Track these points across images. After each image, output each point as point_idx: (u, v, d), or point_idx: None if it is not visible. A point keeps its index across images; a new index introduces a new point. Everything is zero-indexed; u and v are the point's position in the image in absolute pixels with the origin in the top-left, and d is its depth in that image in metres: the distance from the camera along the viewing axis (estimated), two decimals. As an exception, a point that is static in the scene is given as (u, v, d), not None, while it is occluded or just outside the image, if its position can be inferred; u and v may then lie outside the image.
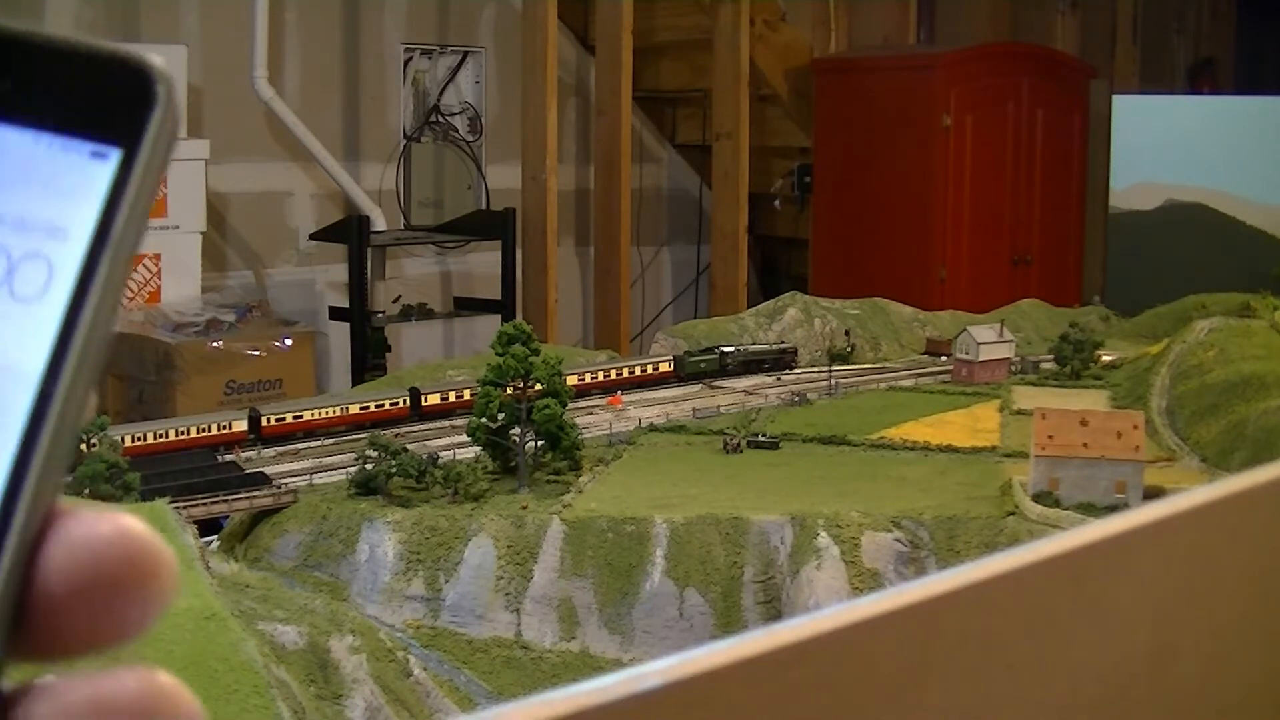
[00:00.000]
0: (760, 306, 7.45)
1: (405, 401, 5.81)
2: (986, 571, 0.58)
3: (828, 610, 0.53)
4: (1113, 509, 4.65)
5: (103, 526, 0.55)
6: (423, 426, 5.76)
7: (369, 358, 8.37)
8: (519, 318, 7.92)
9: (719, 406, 6.15)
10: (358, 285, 8.33)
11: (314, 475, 5.13)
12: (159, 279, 8.04)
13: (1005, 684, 0.62)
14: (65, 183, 0.57)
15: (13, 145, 0.58)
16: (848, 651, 0.54)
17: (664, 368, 6.56)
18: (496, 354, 5.02)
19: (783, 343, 6.98)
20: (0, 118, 0.58)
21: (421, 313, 9.30)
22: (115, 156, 0.57)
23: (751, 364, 6.76)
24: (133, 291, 7.85)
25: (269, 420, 5.52)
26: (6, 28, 0.58)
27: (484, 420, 5.03)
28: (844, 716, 0.53)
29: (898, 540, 4.65)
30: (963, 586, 0.58)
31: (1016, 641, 0.62)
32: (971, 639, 0.59)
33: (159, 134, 0.58)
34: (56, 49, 0.58)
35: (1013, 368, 6.75)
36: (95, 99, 0.58)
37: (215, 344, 7.81)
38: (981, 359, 6.62)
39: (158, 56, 0.58)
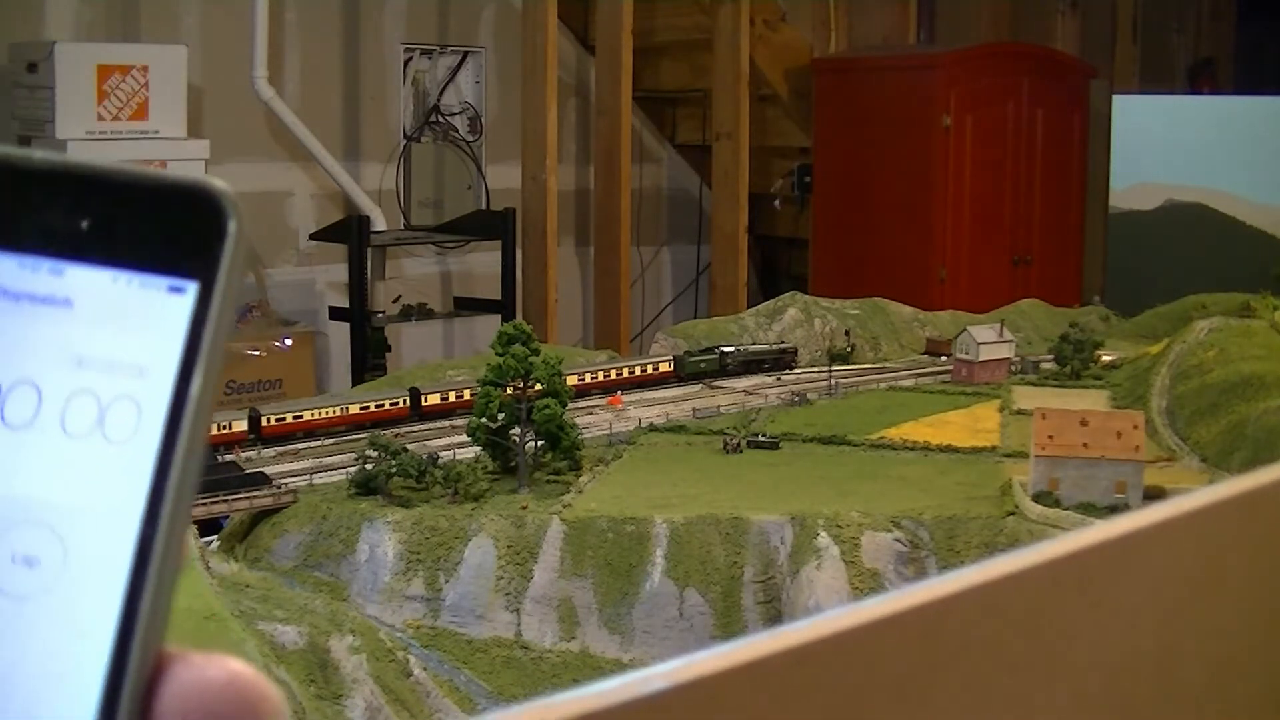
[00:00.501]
0: (760, 306, 7.45)
1: (405, 401, 5.81)
2: (991, 573, 0.58)
3: (832, 612, 0.53)
4: (1113, 509, 4.65)
5: (212, 671, 0.55)
6: (423, 426, 5.76)
7: (369, 358, 8.37)
8: (519, 318, 7.92)
9: (719, 406, 6.15)
10: (358, 285, 8.33)
11: (314, 475, 5.13)
12: (159, 279, 8.03)
13: (1010, 686, 0.62)
14: (146, 320, 0.57)
15: (93, 285, 0.58)
16: (852, 654, 0.54)
17: (664, 368, 6.56)
18: (496, 354, 5.02)
19: (783, 343, 6.98)
20: (79, 257, 0.58)
21: (421, 313, 9.30)
22: (193, 290, 0.58)
23: (751, 364, 6.76)
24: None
25: (269, 420, 5.52)
26: (81, 165, 0.58)
27: (484, 420, 5.03)
28: (849, 719, 0.53)
29: (898, 540, 4.65)
30: (967, 588, 0.58)
31: (1020, 644, 0.62)
32: (976, 641, 0.59)
33: (233, 264, 0.58)
34: (129, 184, 0.58)
35: (1013, 368, 6.75)
36: (169, 233, 0.58)
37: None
38: (981, 359, 6.62)
39: (222, 182, 0.58)
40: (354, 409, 5.74)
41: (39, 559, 0.56)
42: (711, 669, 0.50)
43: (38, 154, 0.58)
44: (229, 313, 0.57)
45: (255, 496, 4.91)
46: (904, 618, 0.55)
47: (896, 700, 0.56)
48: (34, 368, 0.57)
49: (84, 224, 0.58)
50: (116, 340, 0.57)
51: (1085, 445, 4.75)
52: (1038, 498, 4.72)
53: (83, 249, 0.58)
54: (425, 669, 4.32)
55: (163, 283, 0.58)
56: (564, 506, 4.82)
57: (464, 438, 5.21)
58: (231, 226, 0.58)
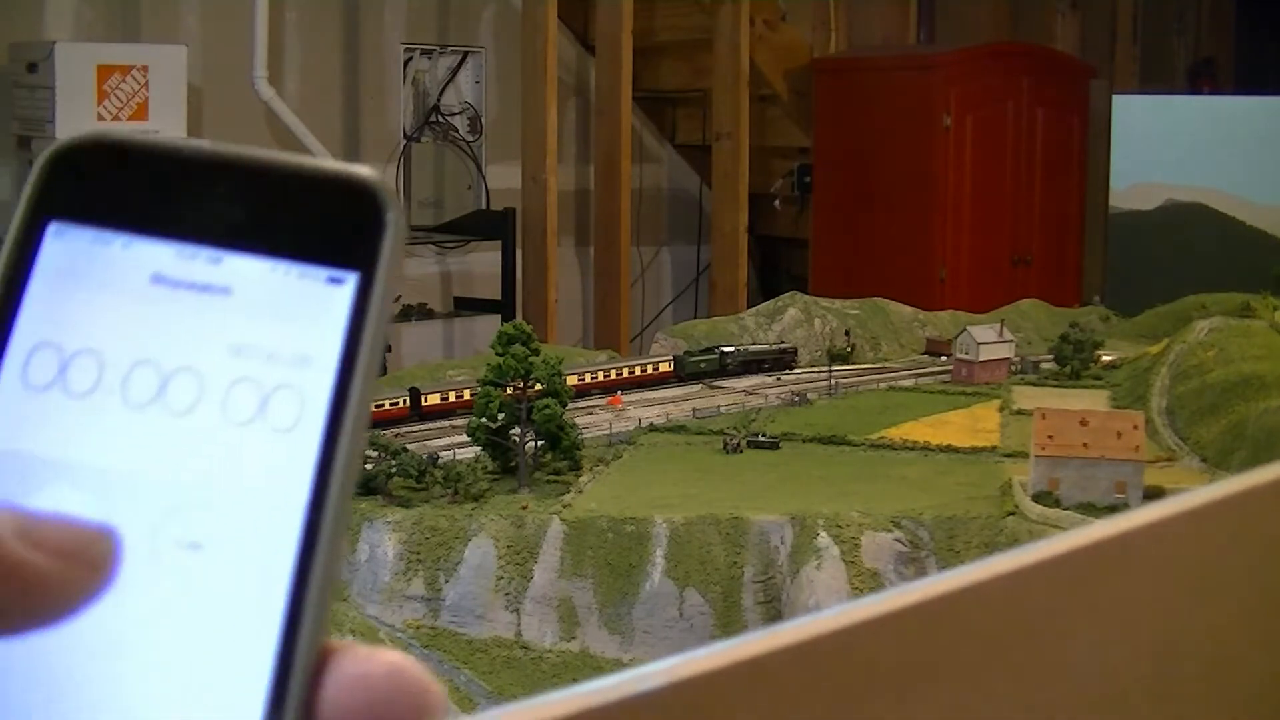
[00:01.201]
0: (760, 306, 7.45)
1: (405, 401, 5.81)
2: (989, 572, 0.59)
3: (831, 610, 0.53)
4: (1113, 509, 4.65)
5: (376, 665, 0.55)
6: (423, 426, 5.76)
7: (369, 358, 8.35)
8: (519, 318, 7.92)
9: (719, 406, 6.15)
10: (358, 285, 8.32)
11: (314, 475, 5.12)
12: (159, 279, 8.03)
13: (1008, 685, 0.62)
14: (306, 310, 0.57)
15: (251, 274, 0.58)
16: (851, 652, 0.55)
17: (664, 368, 6.56)
18: (496, 354, 5.02)
19: (783, 343, 6.98)
20: (236, 247, 0.58)
21: (421, 313, 9.30)
22: (352, 281, 0.58)
23: (751, 364, 6.76)
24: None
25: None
26: (239, 154, 0.58)
27: (484, 420, 5.03)
28: (847, 717, 0.53)
29: (898, 540, 4.65)
30: (966, 586, 0.58)
31: (1020, 643, 0.62)
32: (974, 640, 0.59)
33: (393, 255, 0.58)
34: (287, 174, 0.58)
35: (1013, 368, 6.75)
36: (328, 224, 0.58)
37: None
38: (981, 359, 6.62)
39: (373, 171, 0.59)
40: (354, 409, 5.73)
41: (204, 543, 0.56)
42: (709, 666, 0.50)
43: (194, 143, 0.59)
44: (389, 304, 0.58)
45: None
46: (902, 616, 0.55)
47: (895, 699, 0.56)
48: (194, 355, 0.57)
49: (241, 214, 0.58)
50: (276, 329, 0.57)
51: (1085, 445, 4.75)
52: (1038, 498, 4.72)
53: (240, 239, 0.58)
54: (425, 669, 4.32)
55: (322, 273, 0.58)
56: (564, 506, 4.82)
57: (464, 438, 5.21)
58: (390, 218, 0.58)
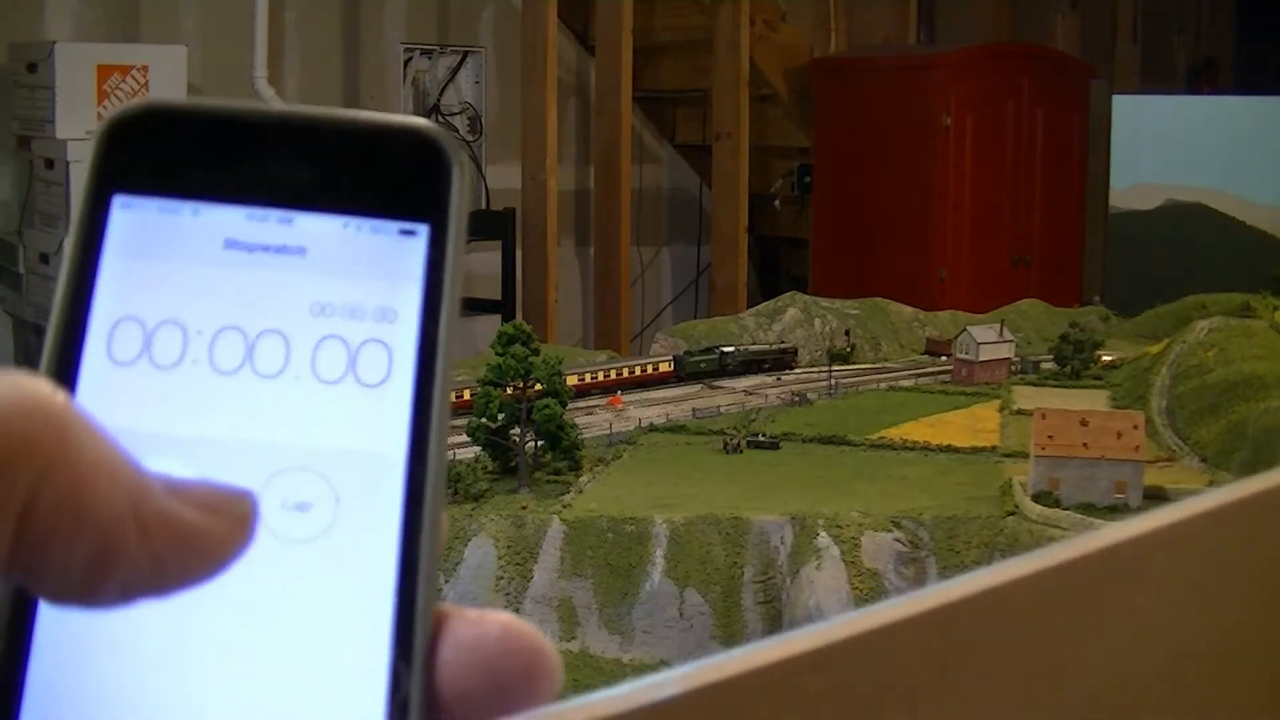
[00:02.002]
0: (760, 306, 7.45)
1: (405, 401, 5.80)
2: (1004, 576, 0.58)
3: (844, 617, 0.53)
4: (1113, 509, 4.66)
5: (489, 627, 0.55)
6: (423, 426, 5.74)
7: (369, 358, 8.35)
8: (519, 318, 7.92)
9: (719, 406, 6.15)
10: (357, 285, 8.32)
11: (314, 475, 5.12)
12: (159, 279, 8.03)
13: (1021, 691, 0.62)
14: (382, 264, 0.57)
15: (324, 232, 0.58)
16: (865, 659, 0.54)
17: (664, 368, 6.55)
18: (496, 354, 5.02)
19: (783, 343, 6.97)
20: (306, 206, 0.58)
21: (421, 313, 9.28)
22: (424, 232, 0.58)
23: (751, 364, 6.75)
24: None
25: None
26: (297, 113, 0.58)
27: (484, 420, 5.03)
28: (861, 724, 0.53)
29: (898, 540, 4.65)
30: (979, 592, 0.58)
31: (1032, 648, 0.62)
32: (988, 646, 0.59)
33: (461, 204, 0.58)
34: (348, 129, 0.58)
35: (1013, 368, 6.75)
36: (394, 177, 0.58)
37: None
38: (981, 359, 6.62)
39: (431, 124, 0.59)
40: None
41: (311, 503, 0.55)
42: (724, 674, 0.50)
43: (248, 104, 0.59)
44: (462, 252, 0.58)
45: (255, 496, 4.90)
46: (916, 622, 0.55)
47: (909, 706, 0.56)
48: (277, 317, 0.57)
49: (307, 172, 0.58)
50: (355, 285, 0.57)
51: (1085, 445, 4.75)
52: (1038, 498, 4.72)
53: (308, 198, 0.58)
54: (425, 669, 4.32)
55: (393, 227, 0.57)
56: (564, 506, 4.82)
57: (464, 438, 5.20)
58: (455, 168, 0.58)
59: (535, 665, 0.54)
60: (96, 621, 0.53)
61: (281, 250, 0.57)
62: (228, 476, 0.54)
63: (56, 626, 0.53)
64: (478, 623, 0.55)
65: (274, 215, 0.57)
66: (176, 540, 0.51)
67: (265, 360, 0.56)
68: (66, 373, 0.56)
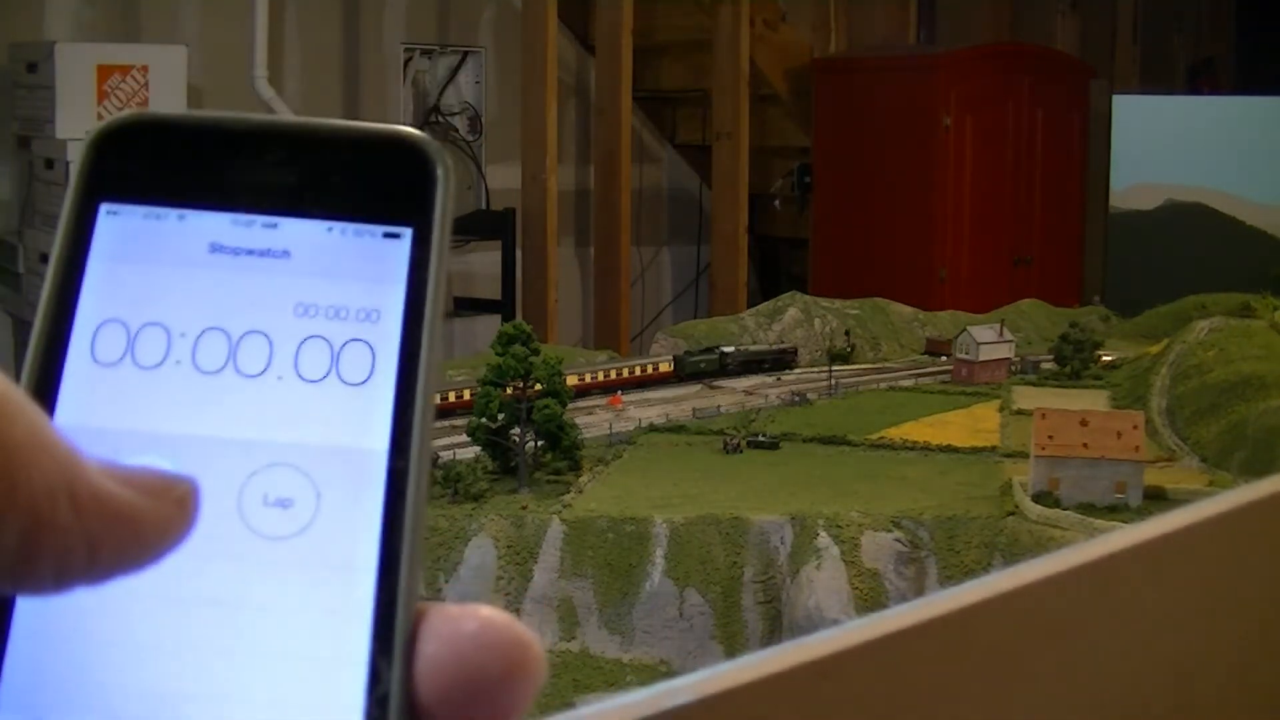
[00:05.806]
0: (760, 306, 7.44)
1: (405, 401, 5.79)
2: (1014, 581, 0.58)
3: (857, 623, 0.53)
4: (1113, 509, 4.66)
5: (467, 622, 0.54)
6: (423, 426, 5.74)
7: (369, 357, 8.35)
8: (519, 318, 7.90)
9: (719, 406, 6.15)
10: (357, 285, 8.32)
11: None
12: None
13: (1034, 696, 0.62)
14: (366, 266, 0.58)
15: (308, 236, 0.59)
16: (879, 664, 0.54)
17: (664, 368, 6.55)
18: (496, 354, 5.02)
19: (783, 343, 6.97)
20: (291, 211, 0.59)
21: (421, 312, 9.28)
22: (408, 235, 0.58)
23: (751, 364, 6.75)
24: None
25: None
26: (283, 122, 0.59)
27: (484, 420, 5.03)
28: (876, 731, 0.53)
29: (898, 540, 4.65)
30: (991, 597, 0.57)
31: (1045, 652, 0.61)
32: (1001, 650, 0.59)
33: (445, 208, 0.59)
34: (333, 137, 0.59)
35: (1013, 368, 6.75)
36: (378, 182, 0.59)
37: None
38: (981, 359, 6.62)
39: (415, 130, 0.59)
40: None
41: (292, 499, 0.56)
42: (737, 681, 0.50)
43: (236, 114, 0.60)
44: (446, 254, 0.58)
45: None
46: (929, 627, 0.55)
47: (924, 710, 0.55)
48: (261, 318, 0.58)
49: (292, 179, 0.59)
50: (339, 287, 0.58)
51: (1085, 445, 4.75)
52: (1038, 498, 4.72)
53: (293, 203, 0.59)
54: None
55: (378, 230, 0.58)
56: (564, 506, 4.82)
57: (464, 438, 5.20)
58: (440, 172, 0.59)
59: (514, 659, 0.53)
60: (74, 615, 0.53)
61: (266, 254, 0.58)
62: (207, 472, 0.54)
63: (34, 622, 0.53)
64: (457, 617, 0.54)
65: (259, 221, 0.58)
66: (111, 520, 0.50)
67: (248, 360, 0.57)
68: (50, 373, 0.57)
